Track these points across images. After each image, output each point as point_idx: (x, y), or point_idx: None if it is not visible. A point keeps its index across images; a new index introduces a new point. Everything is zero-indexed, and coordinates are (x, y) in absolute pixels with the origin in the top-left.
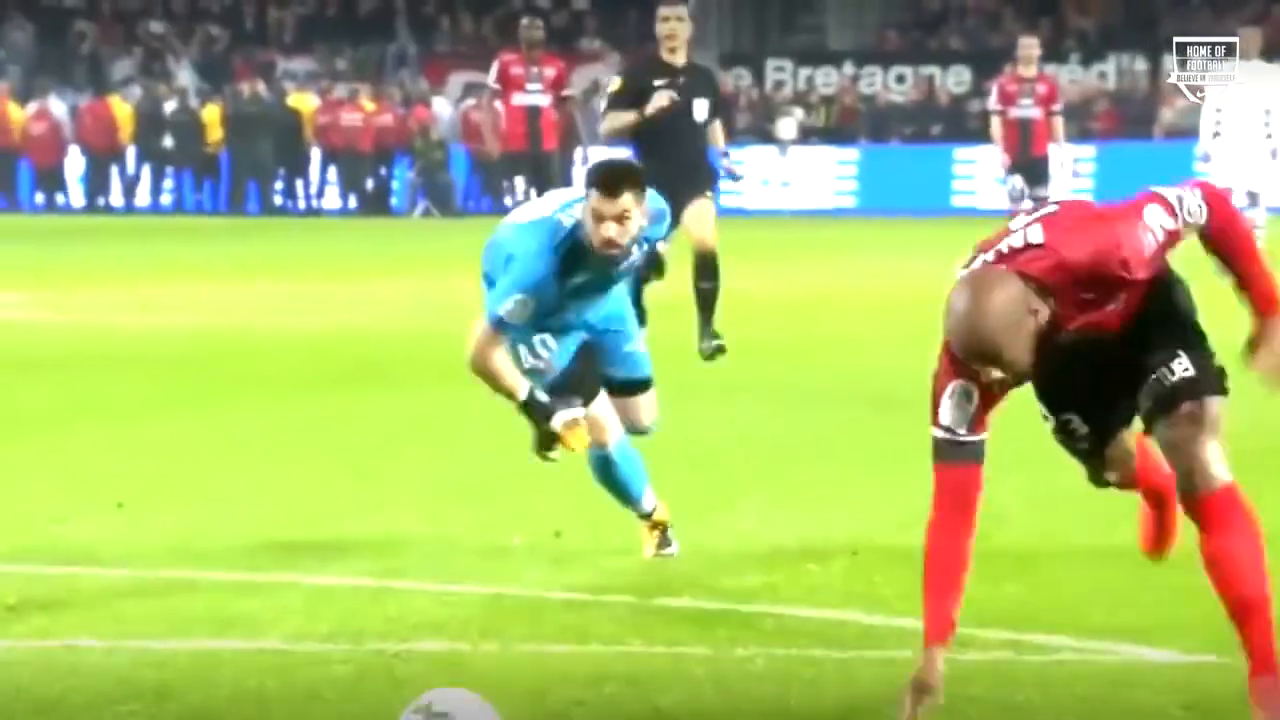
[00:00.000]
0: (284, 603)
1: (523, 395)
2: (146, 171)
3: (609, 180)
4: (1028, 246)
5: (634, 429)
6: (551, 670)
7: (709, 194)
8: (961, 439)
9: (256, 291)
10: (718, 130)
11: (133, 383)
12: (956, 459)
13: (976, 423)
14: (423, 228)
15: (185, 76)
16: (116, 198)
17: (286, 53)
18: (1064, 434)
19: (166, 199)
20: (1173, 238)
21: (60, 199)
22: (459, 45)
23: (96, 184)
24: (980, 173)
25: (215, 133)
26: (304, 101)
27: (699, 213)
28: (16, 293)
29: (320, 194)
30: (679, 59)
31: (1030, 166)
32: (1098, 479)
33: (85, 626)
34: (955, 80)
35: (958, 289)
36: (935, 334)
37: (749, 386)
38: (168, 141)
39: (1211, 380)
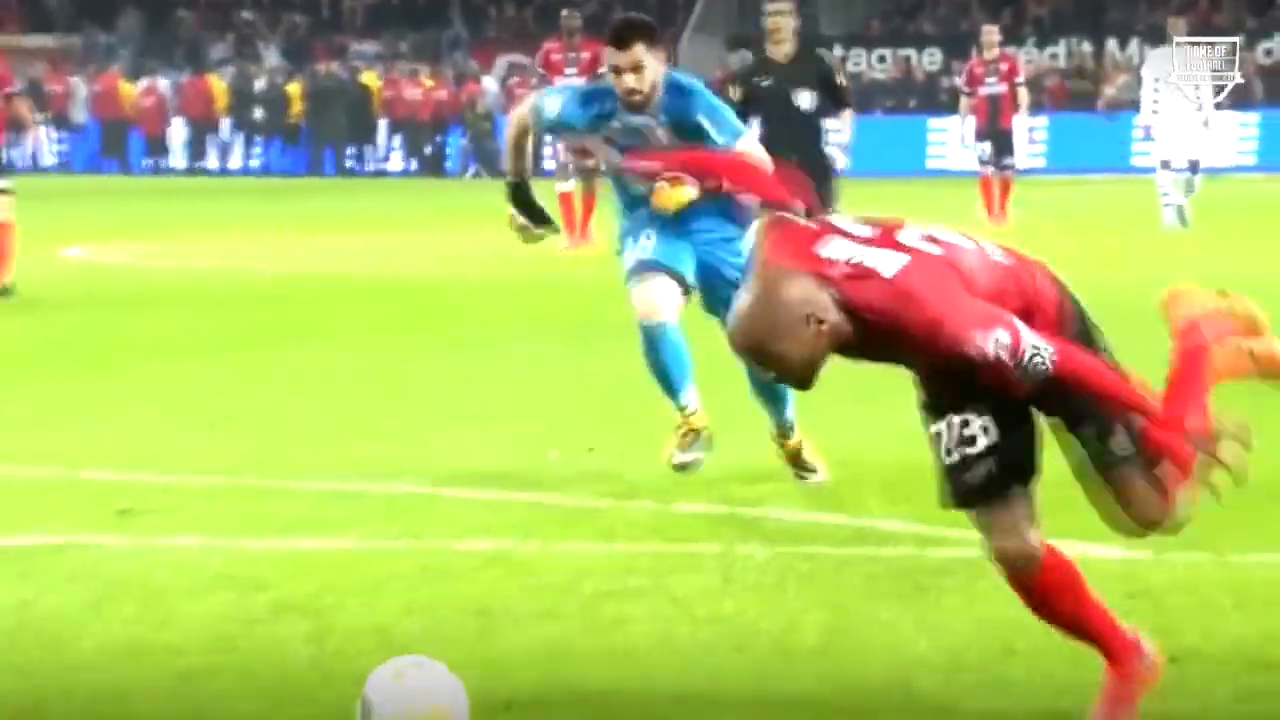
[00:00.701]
0: (357, 508)
1: (510, 180)
2: (239, 139)
3: (618, 33)
4: (873, 273)
5: None
6: (584, 565)
7: (826, 180)
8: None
9: (331, 242)
10: (844, 119)
11: (224, 321)
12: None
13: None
14: (473, 187)
15: (272, 57)
16: (213, 161)
17: (358, 37)
18: (959, 459)
19: (255, 162)
20: (998, 367)
21: (165, 163)
22: (504, 31)
23: (196, 150)
24: (950, 140)
25: (297, 106)
26: (372, 79)
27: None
28: (128, 243)
29: (386, 158)
30: (783, 52)
31: (998, 138)
32: (992, 547)
33: (186, 527)
34: (929, 60)
35: (753, 277)
36: None
37: None
38: (257, 113)
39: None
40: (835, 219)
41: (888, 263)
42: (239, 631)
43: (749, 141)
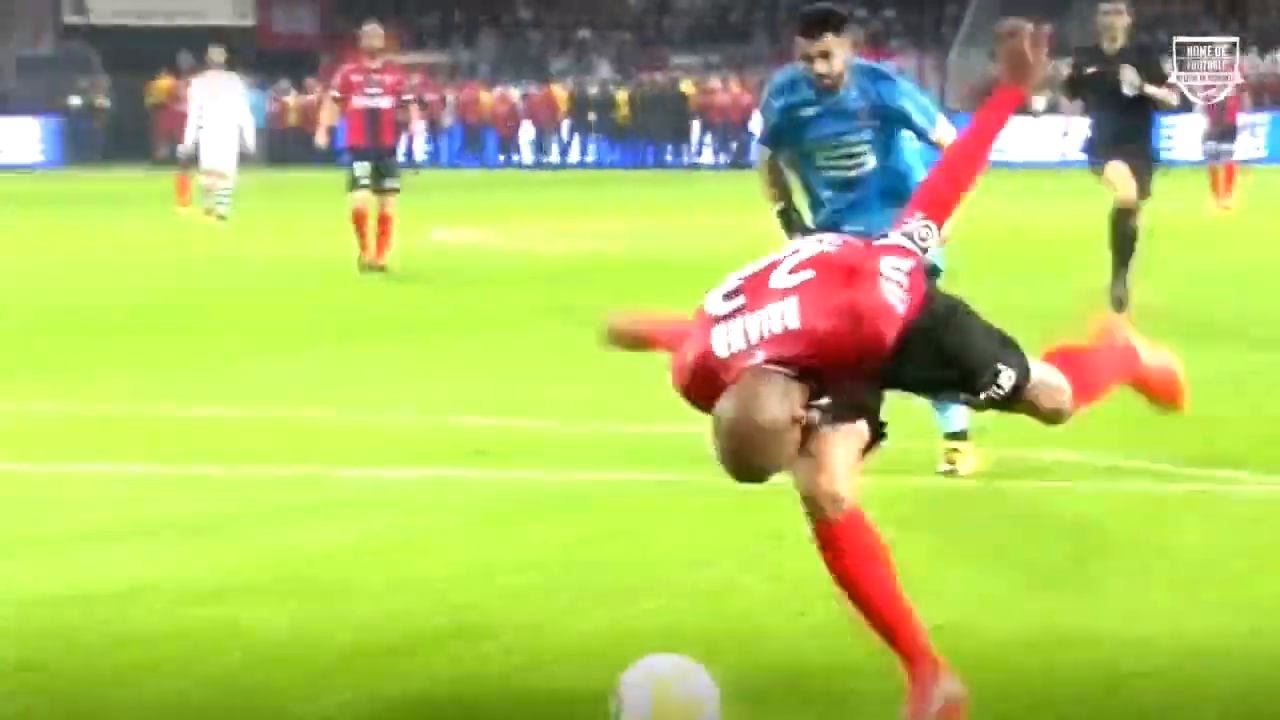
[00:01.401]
0: (670, 447)
1: (777, 207)
2: (576, 138)
3: (808, 24)
4: (785, 332)
5: None
6: (864, 496)
7: (1148, 169)
8: None
9: (650, 224)
10: (1160, 92)
11: (560, 291)
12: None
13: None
14: None
15: (604, 69)
16: (555, 157)
17: (677, 51)
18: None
19: (590, 158)
20: (916, 274)
21: (515, 158)
22: None
23: (541, 147)
24: (1178, 134)
25: (624, 110)
26: (688, 86)
27: (1134, 179)
28: (482, 228)
29: (698, 153)
30: (1115, 47)
31: (1224, 130)
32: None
33: (529, 463)
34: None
35: (726, 401)
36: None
37: None
38: (591, 116)
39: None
40: (709, 304)
41: (784, 315)
42: (572, 553)
43: (946, 126)
